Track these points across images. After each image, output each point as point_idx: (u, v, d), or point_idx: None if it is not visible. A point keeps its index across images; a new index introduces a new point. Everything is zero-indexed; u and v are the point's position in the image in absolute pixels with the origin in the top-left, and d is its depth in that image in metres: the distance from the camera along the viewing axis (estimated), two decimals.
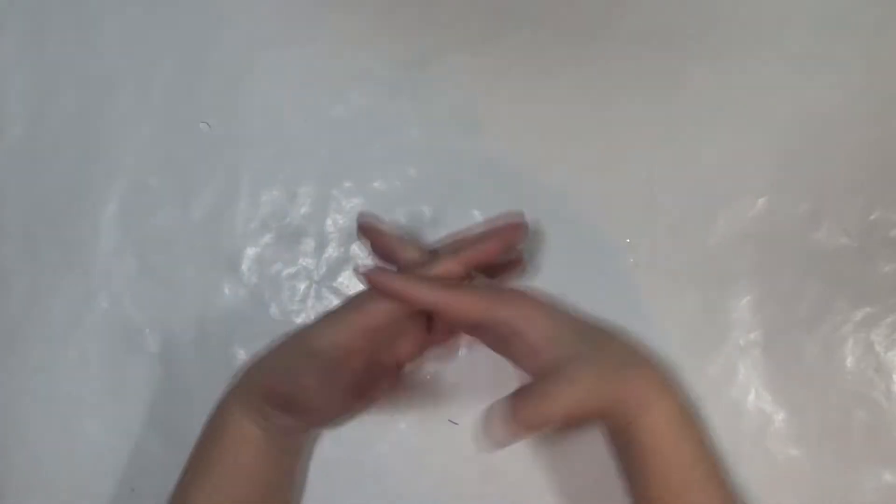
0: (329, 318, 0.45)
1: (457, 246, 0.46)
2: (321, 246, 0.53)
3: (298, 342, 0.45)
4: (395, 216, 0.52)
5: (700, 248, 0.50)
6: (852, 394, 0.48)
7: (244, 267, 0.53)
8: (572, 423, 0.46)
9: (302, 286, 0.53)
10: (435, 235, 0.51)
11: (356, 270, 0.49)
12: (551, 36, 0.53)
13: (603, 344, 0.44)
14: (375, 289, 0.44)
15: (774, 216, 0.50)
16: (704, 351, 0.49)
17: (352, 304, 0.45)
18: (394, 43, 0.54)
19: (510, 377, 0.50)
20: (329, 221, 0.53)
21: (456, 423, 0.50)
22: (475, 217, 0.52)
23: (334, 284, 0.52)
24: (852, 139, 0.50)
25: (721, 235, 0.50)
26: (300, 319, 0.52)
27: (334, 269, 0.53)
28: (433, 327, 0.47)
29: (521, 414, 0.41)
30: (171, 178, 0.54)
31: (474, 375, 0.50)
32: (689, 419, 0.44)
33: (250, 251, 0.53)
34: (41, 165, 0.55)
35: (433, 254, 0.47)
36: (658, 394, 0.43)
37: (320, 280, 0.53)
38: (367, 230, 0.48)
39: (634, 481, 0.43)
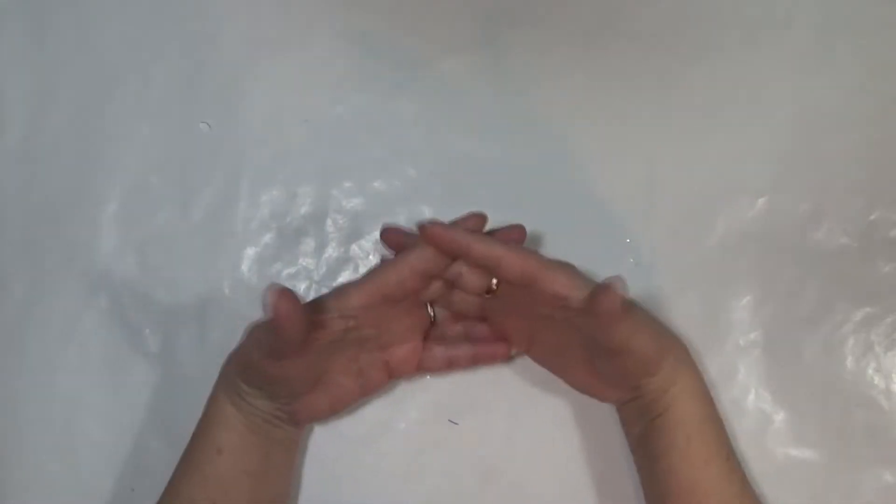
0: (324, 294, 0.45)
1: (491, 236, 0.46)
2: (321, 246, 0.53)
3: None
4: (395, 216, 0.52)
5: (700, 248, 0.50)
6: (852, 394, 0.48)
7: (244, 267, 0.53)
8: (626, 365, 0.43)
9: (302, 286, 0.53)
10: None
11: (383, 234, 0.48)
12: (551, 36, 0.53)
13: (643, 317, 0.44)
14: (431, 241, 0.43)
15: (774, 216, 0.50)
16: (704, 351, 0.49)
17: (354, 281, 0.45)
18: (394, 43, 0.54)
19: (510, 377, 0.50)
20: (329, 221, 0.53)
21: (456, 423, 0.50)
22: None
23: (334, 284, 0.52)
24: (852, 139, 0.50)
25: (721, 235, 0.50)
26: None
27: (334, 269, 0.53)
28: (428, 343, 0.47)
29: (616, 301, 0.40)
30: (171, 178, 0.54)
31: (474, 375, 0.50)
32: (713, 402, 0.45)
33: (250, 251, 0.53)
34: (41, 165, 0.55)
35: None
36: (691, 367, 0.45)
37: (320, 280, 0.53)
38: (391, 236, 0.48)
39: (655, 458, 0.43)
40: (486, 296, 0.46)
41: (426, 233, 0.43)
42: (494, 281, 0.45)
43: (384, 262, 0.46)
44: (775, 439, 0.48)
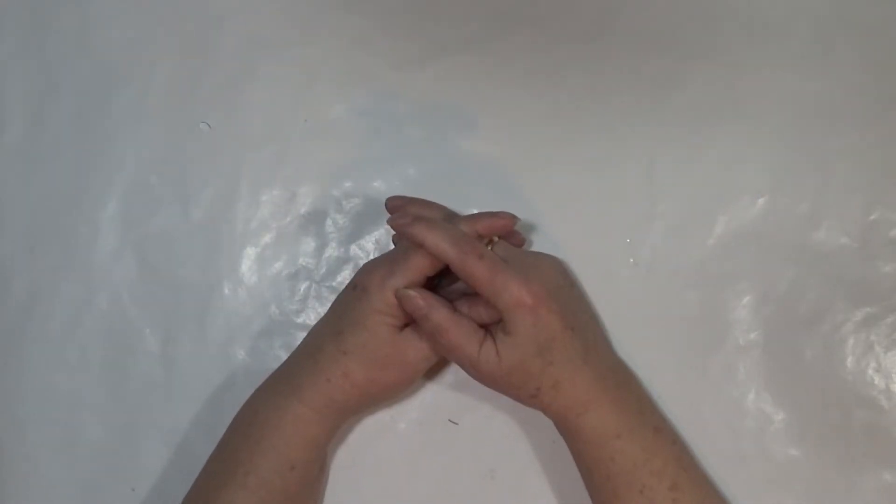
0: (358, 298, 0.45)
1: (474, 215, 0.47)
2: (321, 246, 0.53)
3: (359, 335, 0.44)
4: None
5: (700, 248, 0.50)
6: (852, 394, 0.48)
7: (244, 267, 0.53)
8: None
9: (302, 286, 0.53)
10: None
11: (388, 203, 0.49)
12: (551, 37, 0.53)
13: (548, 362, 0.43)
14: (395, 229, 0.45)
15: (774, 216, 0.50)
16: (704, 351, 0.49)
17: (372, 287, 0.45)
18: (394, 43, 0.54)
19: None
20: (329, 221, 0.53)
21: (456, 423, 0.50)
22: None
23: (334, 284, 0.52)
24: (852, 139, 0.50)
25: (721, 235, 0.50)
26: (300, 319, 0.52)
27: (334, 269, 0.53)
28: None
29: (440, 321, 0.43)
30: (171, 178, 0.54)
31: None
32: (618, 436, 0.43)
33: (250, 251, 0.53)
34: (41, 165, 0.55)
35: (454, 218, 0.47)
36: (578, 410, 0.44)
37: (320, 280, 0.53)
38: (395, 205, 0.49)
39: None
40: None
41: (390, 223, 0.45)
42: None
43: (412, 249, 0.45)
44: (775, 439, 0.48)
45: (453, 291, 0.47)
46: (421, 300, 0.43)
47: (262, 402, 0.46)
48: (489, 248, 0.45)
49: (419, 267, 0.44)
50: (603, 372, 0.45)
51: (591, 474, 0.44)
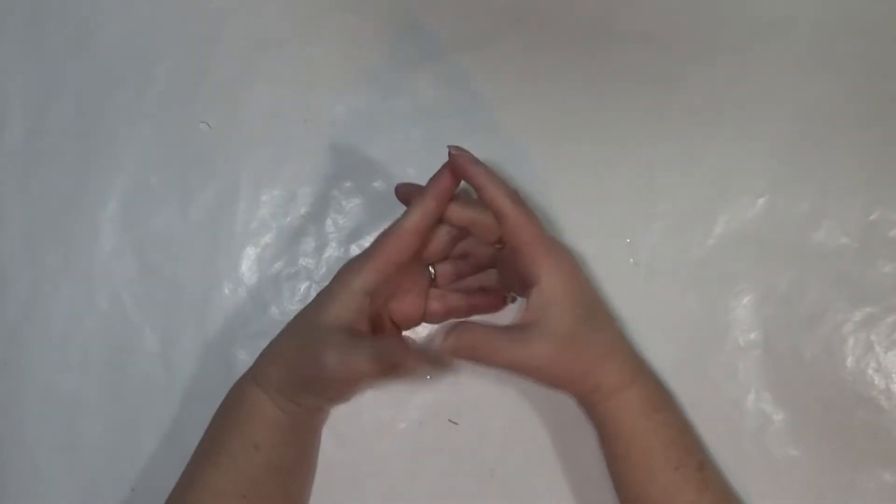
0: (327, 292, 0.45)
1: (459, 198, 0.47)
2: (321, 246, 0.53)
3: (311, 320, 0.45)
4: (394, 216, 0.52)
5: (700, 248, 0.50)
6: (852, 394, 0.48)
7: (244, 267, 0.53)
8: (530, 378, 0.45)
9: (302, 286, 0.53)
10: None
11: (397, 190, 0.49)
12: (551, 36, 0.53)
13: (596, 328, 0.44)
14: (455, 166, 0.44)
15: (774, 216, 0.50)
16: (704, 351, 0.49)
17: (346, 271, 0.45)
18: (394, 43, 0.54)
19: (511, 378, 0.50)
20: (329, 221, 0.53)
21: (456, 423, 0.50)
22: None
23: None
24: (852, 139, 0.50)
25: (721, 235, 0.50)
26: None
27: (334, 269, 0.52)
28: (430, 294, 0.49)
29: (477, 344, 0.42)
30: (171, 178, 0.54)
31: (475, 375, 0.50)
32: (666, 411, 0.45)
33: (250, 251, 0.53)
34: (41, 165, 0.55)
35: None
36: (626, 383, 0.44)
37: (320, 280, 0.53)
38: (404, 190, 0.49)
39: (608, 465, 0.46)
40: (497, 246, 0.47)
41: (452, 158, 0.44)
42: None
43: (383, 232, 0.46)
44: (775, 439, 0.48)
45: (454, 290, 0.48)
46: (456, 341, 0.42)
47: (233, 385, 0.47)
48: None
49: (389, 256, 0.44)
50: (633, 349, 0.46)
51: (629, 450, 0.43)
